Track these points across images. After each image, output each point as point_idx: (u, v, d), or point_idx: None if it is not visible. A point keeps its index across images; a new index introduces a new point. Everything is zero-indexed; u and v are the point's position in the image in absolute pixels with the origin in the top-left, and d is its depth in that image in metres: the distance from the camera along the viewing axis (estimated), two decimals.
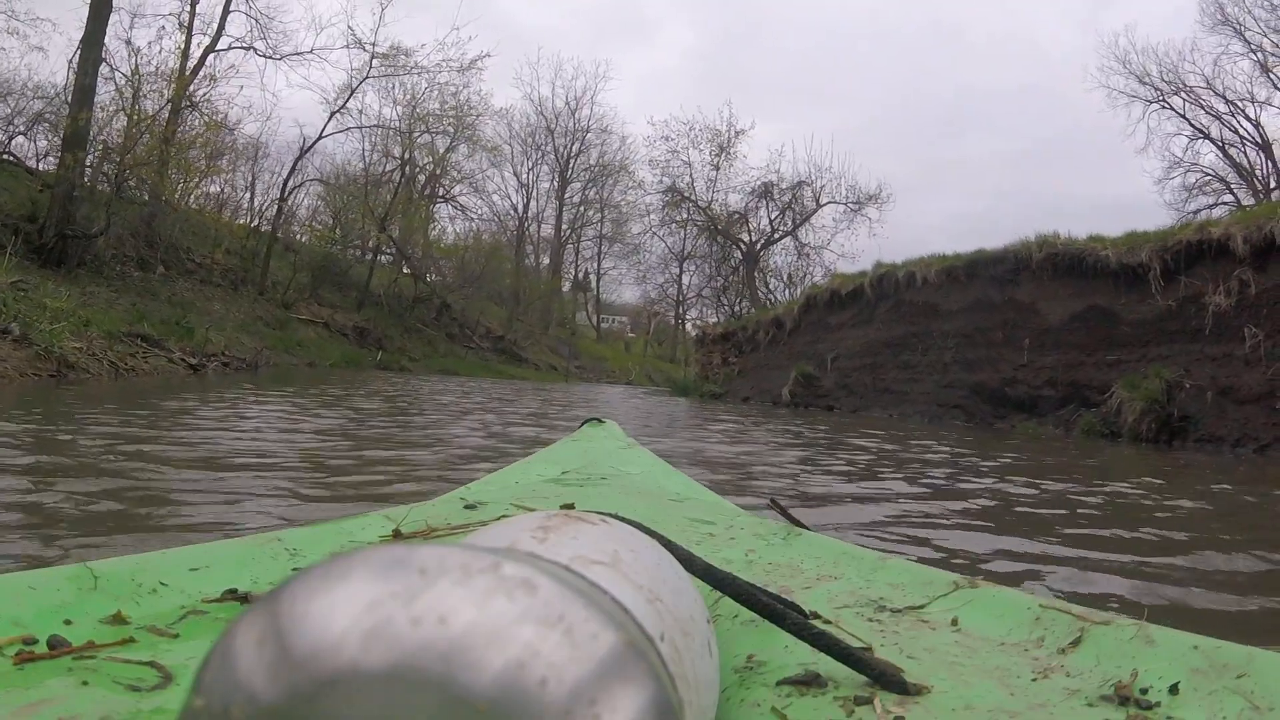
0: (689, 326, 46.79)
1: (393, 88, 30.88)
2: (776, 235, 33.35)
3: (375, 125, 30.59)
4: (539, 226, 45.71)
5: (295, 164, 27.55)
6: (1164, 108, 25.26)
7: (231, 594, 0.66)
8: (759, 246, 33.29)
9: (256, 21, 23.83)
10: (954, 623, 0.65)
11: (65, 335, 8.63)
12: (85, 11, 16.09)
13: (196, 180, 23.24)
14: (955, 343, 13.59)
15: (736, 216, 33.84)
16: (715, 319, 30.45)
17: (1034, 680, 0.54)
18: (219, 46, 23.00)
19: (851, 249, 36.59)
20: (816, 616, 0.64)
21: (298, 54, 25.28)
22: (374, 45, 27.50)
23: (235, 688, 0.26)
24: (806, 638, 0.53)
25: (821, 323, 17.19)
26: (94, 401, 6.16)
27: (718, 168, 34.48)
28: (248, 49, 24.05)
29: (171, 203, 21.18)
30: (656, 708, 0.27)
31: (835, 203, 32.11)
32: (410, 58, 29.03)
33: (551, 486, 1.29)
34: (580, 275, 49.78)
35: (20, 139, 18.83)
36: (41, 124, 18.34)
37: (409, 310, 31.64)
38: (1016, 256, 12.86)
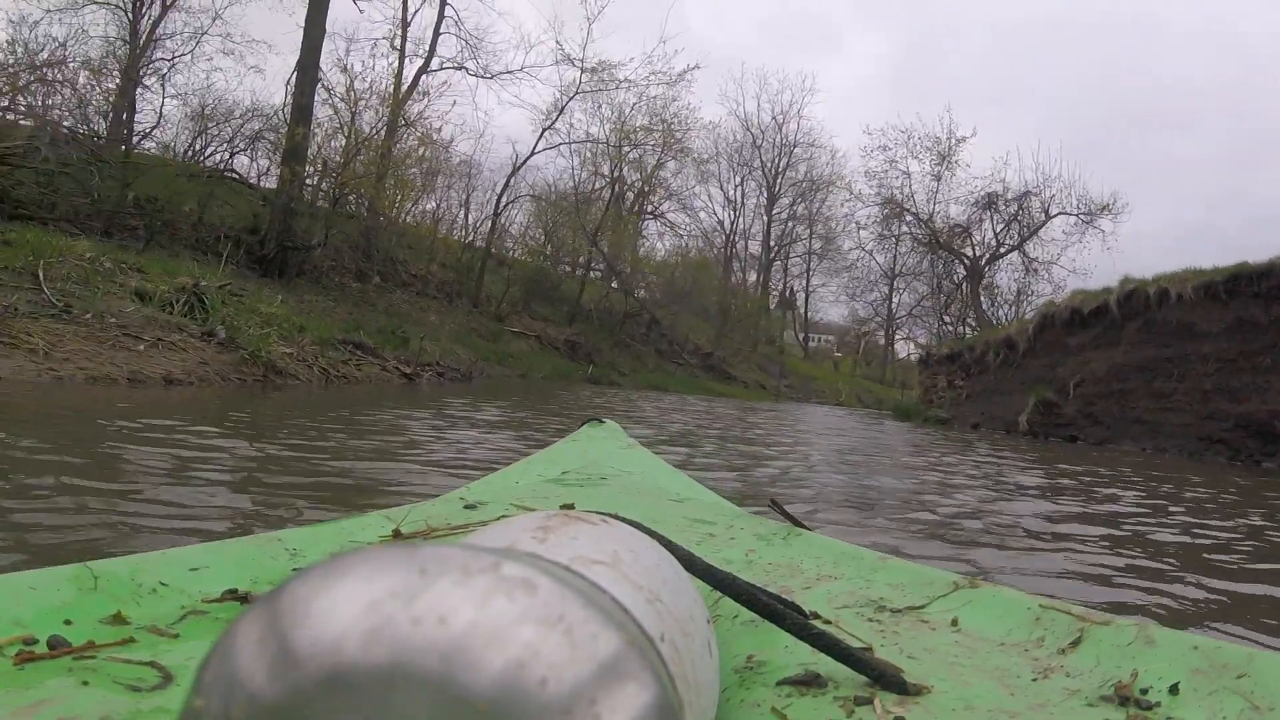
0: (900, 346, 45.15)
1: (599, 106, 31.30)
2: (1002, 249, 31.26)
3: (585, 141, 30.98)
4: (746, 243, 45.29)
5: (509, 180, 28.29)
6: None
7: (231, 594, 0.66)
8: (984, 261, 31.31)
9: (467, 42, 25.15)
10: (954, 623, 0.65)
11: (273, 340, 8.53)
12: (300, 35, 17.09)
13: (413, 196, 24.22)
14: (1216, 368, 12.23)
15: (959, 230, 32.00)
16: (930, 339, 29.23)
17: (1034, 680, 0.54)
18: (431, 67, 23.97)
19: (1083, 264, 33.41)
20: (816, 617, 0.64)
21: (508, 72, 26.07)
22: (583, 61, 28.08)
23: (236, 687, 0.26)
24: (806, 638, 0.52)
25: (1059, 344, 15.68)
26: (306, 410, 5.96)
27: (939, 178, 32.49)
28: (459, 68, 24.92)
29: (388, 217, 22.09)
30: (657, 708, 0.27)
31: (1065, 214, 29.76)
32: (619, 71, 29.32)
33: (551, 486, 1.29)
34: (787, 292, 49.11)
35: (242, 157, 19.72)
36: (261, 142, 19.18)
37: (619, 325, 31.74)
38: None
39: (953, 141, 32.06)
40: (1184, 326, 13.00)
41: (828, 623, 0.64)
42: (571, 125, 30.35)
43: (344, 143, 19.69)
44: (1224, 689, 0.49)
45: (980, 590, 0.70)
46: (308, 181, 18.41)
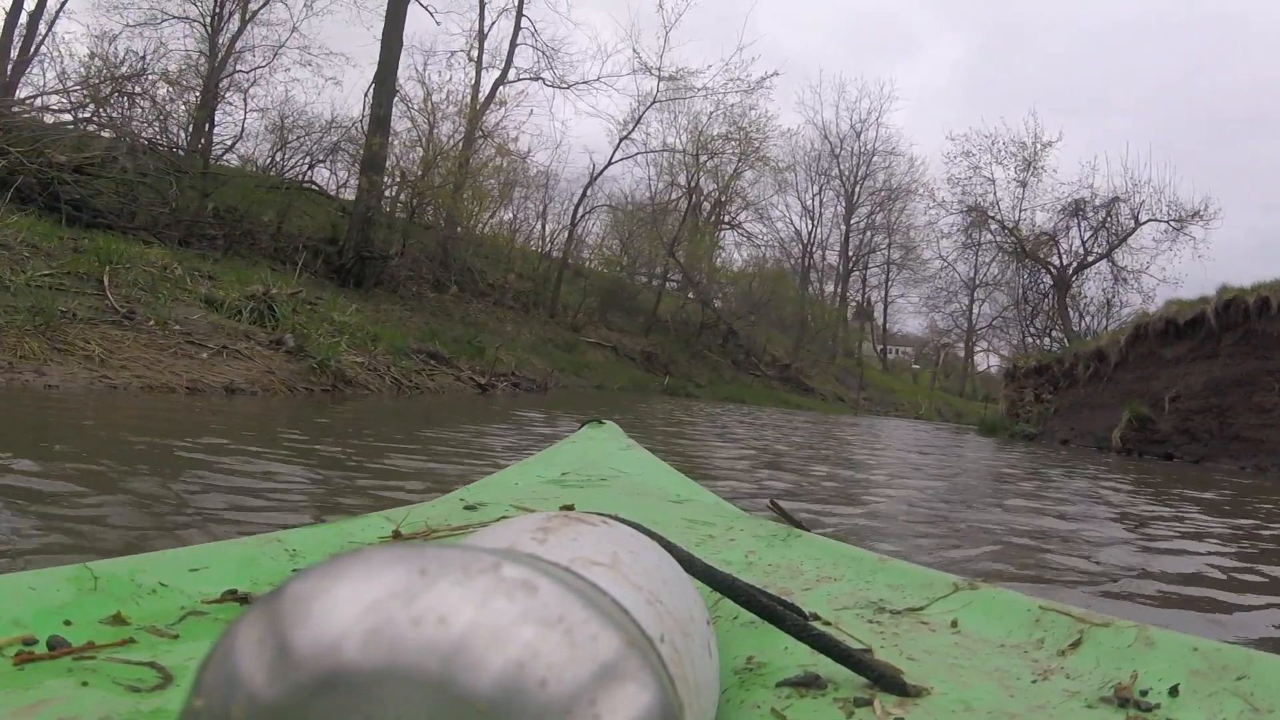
0: (980, 359, 44.21)
1: (676, 116, 31.05)
2: (1090, 258, 30.03)
3: (661, 150, 30.58)
4: (824, 253, 44.72)
5: (585, 190, 28.11)
6: None
7: (231, 595, 0.66)
8: (1070, 270, 30.02)
9: (543, 53, 24.93)
10: (954, 624, 0.65)
11: (343, 349, 8.32)
12: (377, 48, 17.34)
13: (490, 208, 24.24)
14: None
15: (1045, 238, 30.79)
16: (1013, 351, 28.30)
17: (1034, 682, 0.54)
18: (508, 78, 24.11)
19: (1173, 272, 31.97)
20: (816, 618, 0.64)
21: (584, 82, 26.20)
22: (659, 70, 27.82)
23: (235, 688, 0.26)
24: (806, 639, 0.53)
25: (1153, 356, 15.01)
26: (373, 420, 5.64)
27: (1024, 184, 31.25)
28: (535, 79, 25.02)
29: (465, 228, 22.17)
30: (656, 709, 0.27)
31: (1155, 220, 28.51)
32: (695, 79, 29.02)
33: (551, 488, 1.29)
34: (865, 303, 48.35)
35: (322, 169, 19.82)
36: (340, 154, 19.25)
37: (695, 336, 31.45)
38: None
39: (1038, 146, 30.97)
40: None
41: (827, 624, 0.64)
42: (648, 136, 30.26)
43: (421, 154, 19.87)
44: (1224, 690, 0.49)
45: (980, 592, 0.70)
46: (386, 192, 18.59)
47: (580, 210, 28.47)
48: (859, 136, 41.87)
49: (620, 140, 28.16)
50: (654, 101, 28.23)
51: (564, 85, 25.79)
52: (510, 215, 27.48)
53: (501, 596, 0.27)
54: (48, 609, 0.56)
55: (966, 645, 0.61)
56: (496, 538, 0.45)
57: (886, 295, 47.24)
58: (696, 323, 31.80)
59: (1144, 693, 0.51)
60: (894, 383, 45.16)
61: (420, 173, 19.31)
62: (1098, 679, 0.53)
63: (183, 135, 16.51)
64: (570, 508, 0.99)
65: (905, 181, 41.29)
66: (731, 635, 0.64)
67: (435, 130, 20.55)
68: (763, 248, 39.44)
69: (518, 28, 24.29)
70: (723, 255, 36.94)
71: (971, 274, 36.70)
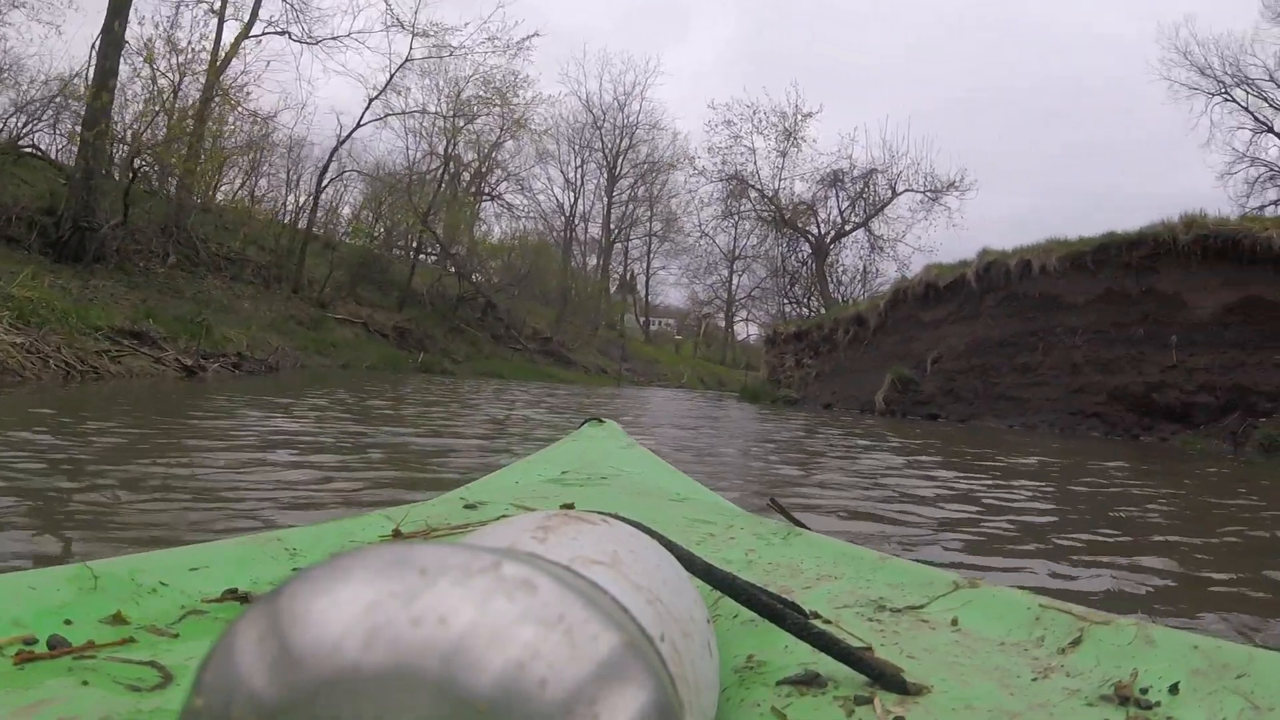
0: (740, 328, 44.60)
1: (437, 83, 29.12)
2: (848, 227, 30.53)
3: (418, 111, 28.58)
4: (586, 226, 44.40)
5: (333, 153, 25.91)
6: (1227, 100, 24.33)
7: (232, 594, 0.66)
8: (829, 239, 30.43)
9: (291, 5, 22.72)
10: (954, 623, 0.65)
11: None
12: None
13: (222, 170, 22.18)
14: (1085, 340, 11.70)
15: (803, 207, 31.08)
16: (770, 318, 28.63)
17: (1034, 680, 0.54)
18: (253, 33, 22.00)
19: (928, 241, 33.71)
20: (816, 616, 0.64)
21: (334, 38, 24.11)
22: (414, 26, 25.94)
23: (235, 687, 0.26)
24: (806, 638, 0.53)
25: (913, 319, 15.11)
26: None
27: (784, 154, 31.54)
28: (282, 33, 23.06)
29: (200, 196, 20.34)
30: (656, 708, 0.27)
31: (912, 191, 29.26)
32: (453, 36, 27.46)
33: (551, 486, 1.29)
34: (628, 276, 48.57)
35: (44, 132, 18.09)
36: (65, 112, 17.47)
37: (453, 310, 30.24)
38: (1156, 240, 11.07)
39: (799, 117, 31.39)
40: (1048, 299, 12.51)
41: (828, 622, 0.64)
42: (407, 103, 28.06)
43: (144, 109, 17.81)
44: (1224, 689, 0.49)
45: (980, 590, 0.70)
46: (115, 156, 16.77)
47: (326, 177, 26.31)
48: (622, 109, 41.79)
49: (370, 101, 26.24)
50: (407, 59, 26.57)
51: (312, 41, 23.63)
52: (250, 181, 25.51)
53: (502, 596, 0.27)
54: (48, 608, 0.56)
55: (967, 643, 0.61)
56: (496, 537, 0.45)
57: (649, 267, 47.61)
58: (454, 296, 30.77)
59: (1144, 691, 0.51)
60: (657, 353, 45.41)
61: (144, 130, 17.29)
62: (1098, 677, 0.53)
63: None
64: (570, 506, 0.99)
65: (668, 155, 41.26)
66: (732, 634, 0.64)
67: (167, 85, 18.66)
68: (524, 219, 39.14)
69: None
70: (483, 227, 36.34)
71: (731, 246, 36.98)
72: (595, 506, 0.82)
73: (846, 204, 30.71)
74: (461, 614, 0.26)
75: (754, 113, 32.10)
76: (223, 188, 23.45)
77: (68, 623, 0.55)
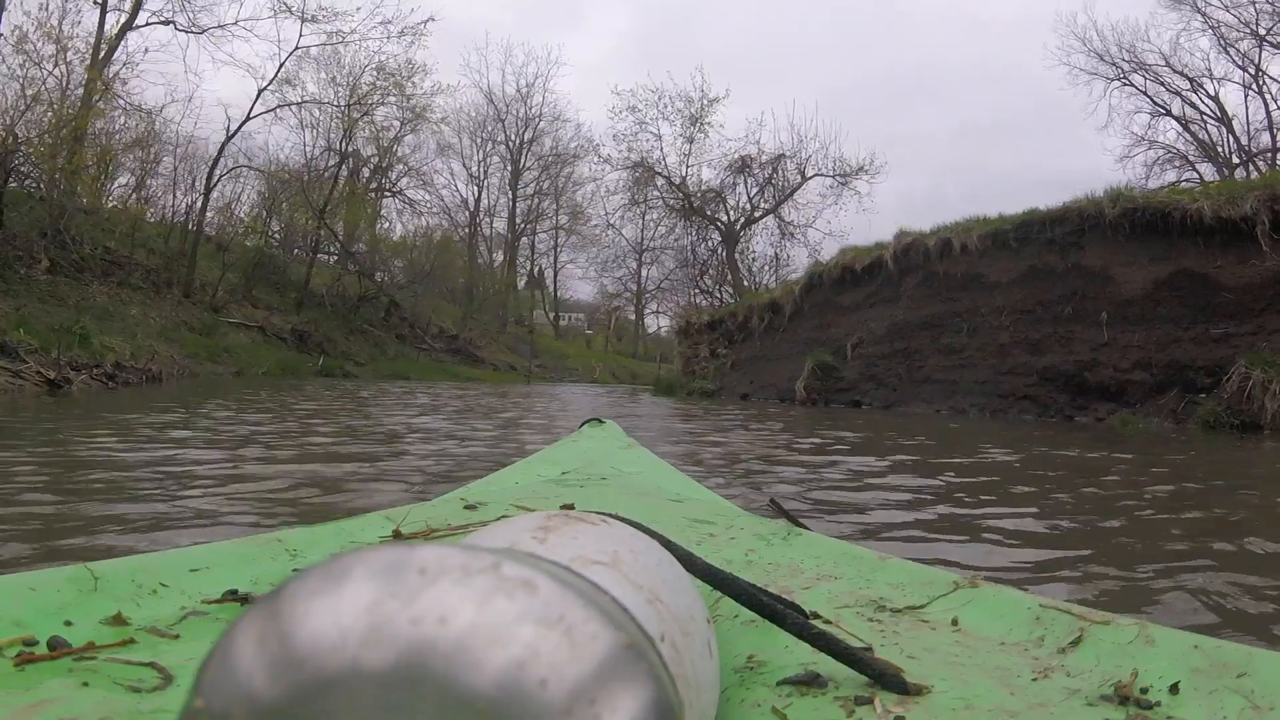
0: (650, 321, 44.15)
1: (333, 75, 28.02)
2: (757, 214, 30.12)
3: (311, 101, 27.45)
4: (491, 221, 43.78)
5: (222, 147, 24.49)
6: (1125, 85, 24.92)
7: (232, 595, 0.66)
8: (739, 226, 30.03)
9: None
10: (954, 622, 0.65)
11: None
12: None
13: (109, 170, 20.90)
14: (1012, 320, 11.37)
15: (711, 194, 30.57)
16: (680, 308, 28.02)
17: (1034, 680, 0.54)
18: (136, 23, 21.16)
19: (838, 226, 34.04)
20: (817, 616, 0.64)
21: (221, 26, 23.45)
22: (303, 10, 24.86)
23: (235, 688, 0.26)
24: (807, 638, 0.53)
25: (830, 304, 14.78)
26: None
27: (691, 140, 30.89)
28: (167, 23, 22.22)
29: (78, 195, 19.09)
30: (656, 708, 0.27)
31: (822, 175, 28.89)
32: (345, 22, 26.36)
33: (551, 487, 1.29)
34: (535, 271, 48.13)
35: None
36: None
37: (354, 311, 29.25)
38: (1081, 215, 10.73)
39: (705, 103, 30.64)
40: (970, 278, 12.10)
41: (828, 623, 0.64)
42: (302, 95, 27.08)
43: (15, 102, 16.65)
44: (1224, 688, 0.49)
45: (980, 590, 0.70)
46: None
47: (216, 173, 24.72)
48: (525, 101, 41.31)
49: (259, 92, 25.05)
50: (297, 48, 25.60)
51: (198, 30, 22.86)
52: (134, 180, 23.88)
53: (501, 596, 0.27)
54: (48, 609, 0.56)
55: (967, 643, 0.61)
56: (496, 537, 0.45)
57: (556, 261, 47.13)
58: (355, 296, 29.83)
59: (1144, 690, 0.51)
60: (568, 348, 44.92)
61: (16, 125, 16.21)
62: (1098, 677, 0.53)
63: None
64: (570, 507, 0.99)
65: (572, 147, 40.77)
66: (732, 634, 0.64)
67: (42, 77, 17.47)
68: (427, 216, 38.44)
69: None
70: (385, 224, 35.50)
71: (639, 237, 36.47)
72: (595, 507, 0.82)
73: (755, 190, 30.28)
74: (461, 614, 0.26)
75: (659, 98, 31.62)
76: (112, 189, 22.36)
77: (68, 624, 0.55)
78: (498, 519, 0.90)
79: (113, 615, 0.58)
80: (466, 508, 1.05)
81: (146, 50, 29.94)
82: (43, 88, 17.57)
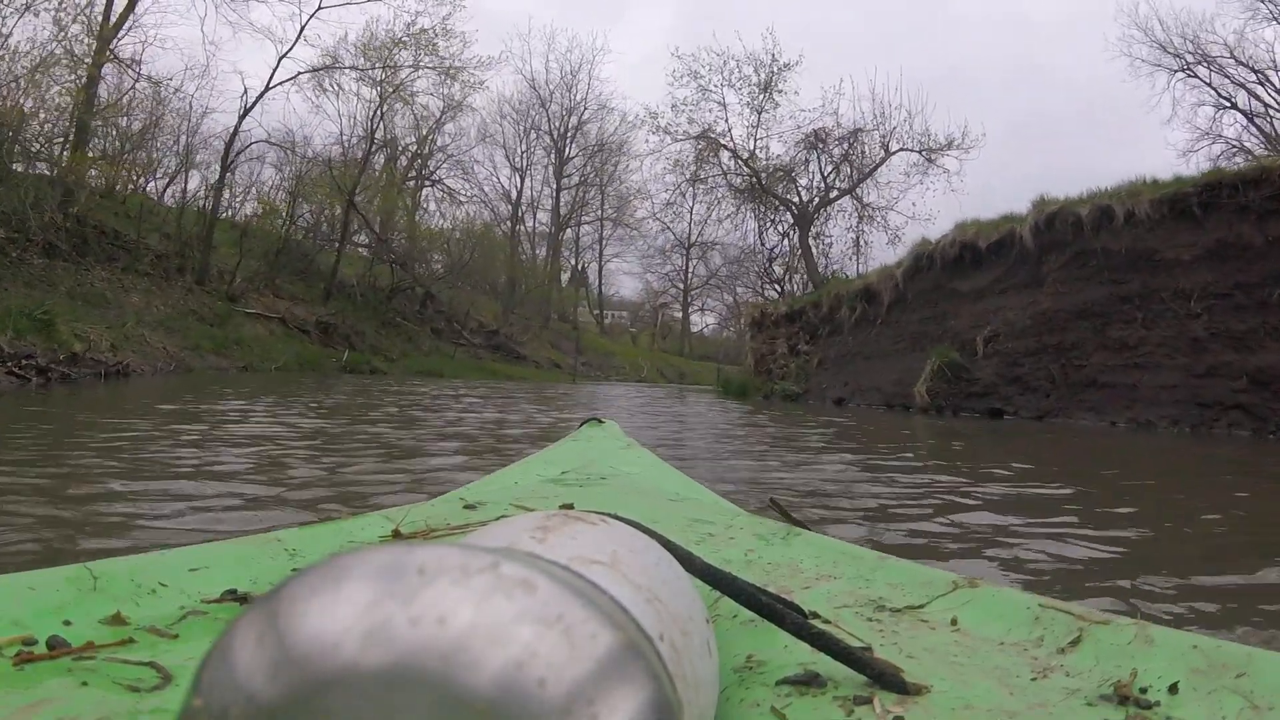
0: (696, 319, 42.43)
1: (364, 45, 25.38)
2: (833, 194, 26.20)
3: (335, 66, 24.75)
4: (535, 212, 41.98)
5: (240, 119, 22.36)
6: (1190, 77, 23.53)
7: (231, 594, 0.66)
8: (813, 207, 26.17)
9: None
10: (953, 622, 0.65)
11: None
12: None
13: (126, 153, 19.94)
14: (1204, 307, 8.89)
15: (781, 173, 26.72)
16: (736, 299, 26.30)
17: (1033, 680, 0.54)
18: None
19: (923, 209, 30.00)
20: (816, 616, 0.64)
21: None
22: None
23: (234, 688, 0.26)
24: (806, 637, 0.53)
25: (943, 290, 12.22)
26: None
27: (760, 110, 26.92)
28: None
29: (80, 176, 18.06)
30: (655, 708, 0.27)
31: (907, 150, 24.96)
32: None
33: (551, 487, 1.29)
34: (580, 267, 46.77)
35: None
36: None
37: (386, 302, 27.18)
38: None
39: (776, 68, 26.72)
40: (1139, 255, 9.62)
41: (827, 622, 0.64)
42: (340, 87, 24.94)
43: (8, 70, 15.61)
44: (1223, 688, 0.49)
45: (980, 590, 0.70)
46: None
47: (234, 150, 22.62)
48: (570, 89, 39.31)
49: (280, 59, 22.79)
50: (320, 7, 23.00)
51: None
52: (148, 157, 22.23)
53: (500, 595, 0.27)
54: (47, 609, 0.56)
55: (966, 643, 0.61)
56: (495, 536, 0.45)
57: (601, 255, 45.27)
58: (387, 287, 27.54)
59: (1143, 690, 0.51)
60: (613, 346, 43.29)
61: (24, 99, 15.44)
62: (1097, 677, 0.53)
63: None
64: (570, 506, 0.99)
65: (617, 137, 38.74)
66: (731, 633, 0.64)
67: (58, 48, 16.45)
68: (467, 204, 35.98)
69: None
70: (423, 214, 33.48)
71: (687, 232, 34.40)
72: (594, 506, 0.82)
73: (830, 168, 26.42)
74: (460, 614, 0.26)
75: (725, 63, 27.56)
76: (116, 169, 20.48)
77: (67, 623, 0.55)
78: (497, 519, 0.90)
79: (112, 615, 0.58)
80: (466, 507, 1.05)
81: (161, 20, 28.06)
82: (50, 54, 16.74)
